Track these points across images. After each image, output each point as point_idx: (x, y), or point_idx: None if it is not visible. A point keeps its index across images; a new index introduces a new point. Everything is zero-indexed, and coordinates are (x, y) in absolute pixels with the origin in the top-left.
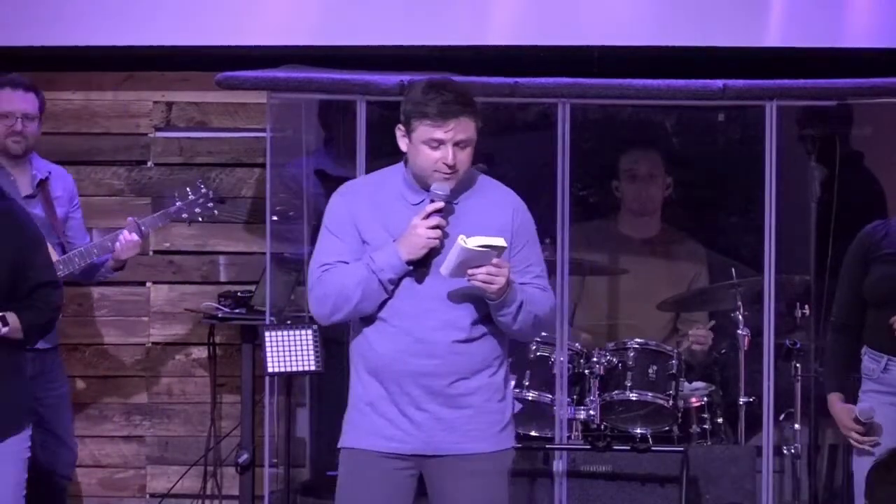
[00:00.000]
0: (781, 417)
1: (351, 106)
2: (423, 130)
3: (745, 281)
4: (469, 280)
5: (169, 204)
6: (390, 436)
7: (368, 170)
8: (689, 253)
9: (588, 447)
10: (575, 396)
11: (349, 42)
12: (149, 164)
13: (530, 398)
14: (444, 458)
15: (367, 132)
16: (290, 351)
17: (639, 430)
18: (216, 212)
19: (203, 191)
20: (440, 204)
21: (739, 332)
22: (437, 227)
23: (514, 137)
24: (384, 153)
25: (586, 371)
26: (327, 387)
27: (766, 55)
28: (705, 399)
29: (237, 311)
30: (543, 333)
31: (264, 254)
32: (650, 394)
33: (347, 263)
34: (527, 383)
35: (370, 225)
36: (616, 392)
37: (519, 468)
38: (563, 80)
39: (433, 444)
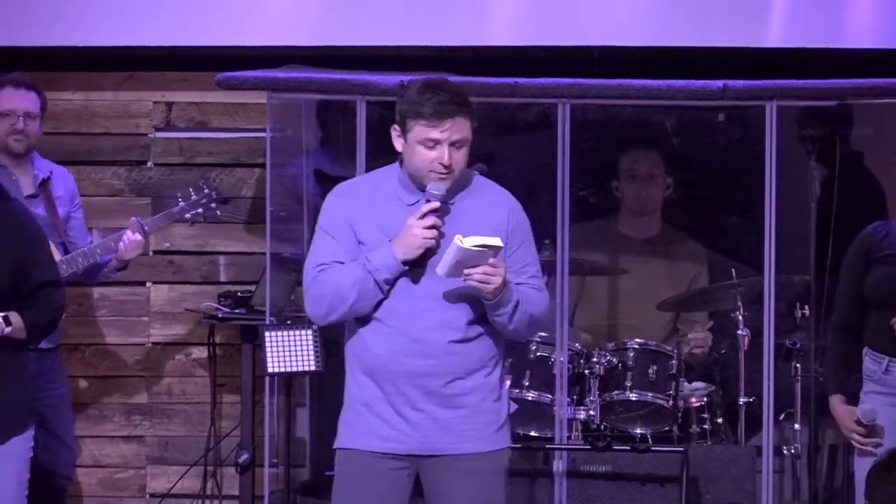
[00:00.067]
0: (781, 417)
1: (351, 106)
2: (419, 130)
3: (745, 281)
4: (465, 280)
5: (172, 204)
6: (386, 436)
7: (368, 170)
8: (689, 253)
9: (588, 447)
10: (575, 396)
11: (349, 42)
12: (149, 164)
13: (530, 398)
14: (440, 458)
15: (366, 132)
16: (290, 351)
17: (639, 431)
18: (218, 212)
19: (206, 191)
20: (436, 204)
21: (739, 332)
22: (432, 227)
23: (514, 137)
24: (384, 153)
25: (586, 371)
26: (327, 387)
27: (766, 55)
28: (705, 399)
29: (237, 311)
30: (543, 333)
31: (264, 254)
32: (650, 394)
33: (343, 264)
34: (527, 383)
35: (366, 225)
36: (616, 392)
37: (519, 468)
38: (563, 80)
39: (429, 445)
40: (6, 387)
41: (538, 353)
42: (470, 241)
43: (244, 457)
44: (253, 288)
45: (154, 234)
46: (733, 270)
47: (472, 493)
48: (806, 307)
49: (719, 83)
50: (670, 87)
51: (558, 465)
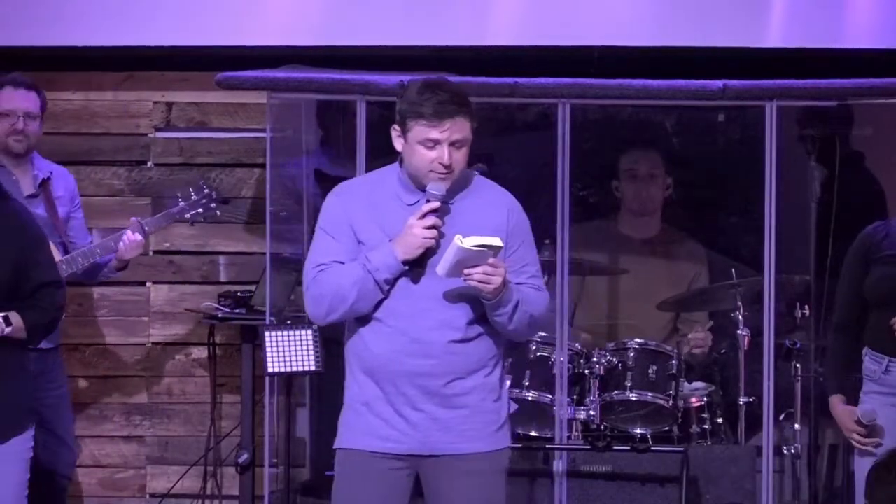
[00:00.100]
0: (781, 417)
1: (351, 106)
2: (419, 130)
3: (745, 281)
4: (465, 280)
5: (172, 204)
6: (386, 436)
7: (368, 170)
8: (689, 253)
9: (588, 447)
10: (575, 396)
11: (349, 42)
12: (149, 164)
13: (530, 398)
14: (440, 458)
15: (366, 132)
16: (290, 351)
17: (639, 431)
18: (218, 212)
19: (206, 191)
20: (436, 204)
21: (739, 332)
22: (433, 226)
23: (514, 137)
24: (384, 153)
25: (586, 371)
26: (327, 387)
27: (766, 55)
28: (705, 399)
29: (237, 311)
30: (543, 333)
31: (264, 254)
32: (650, 394)
33: (343, 264)
34: (527, 383)
35: (366, 225)
36: (616, 392)
37: (519, 468)
38: (563, 80)
39: (429, 445)
40: (6, 387)
41: (538, 353)
42: (470, 241)
43: (244, 457)
44: (253, 288)
45: (154, 234)
46: (733, 270)
47: (473, 493)
48: (806, 307)
49: (719, 83)
50: (670, 87)
51: (558, 465)
